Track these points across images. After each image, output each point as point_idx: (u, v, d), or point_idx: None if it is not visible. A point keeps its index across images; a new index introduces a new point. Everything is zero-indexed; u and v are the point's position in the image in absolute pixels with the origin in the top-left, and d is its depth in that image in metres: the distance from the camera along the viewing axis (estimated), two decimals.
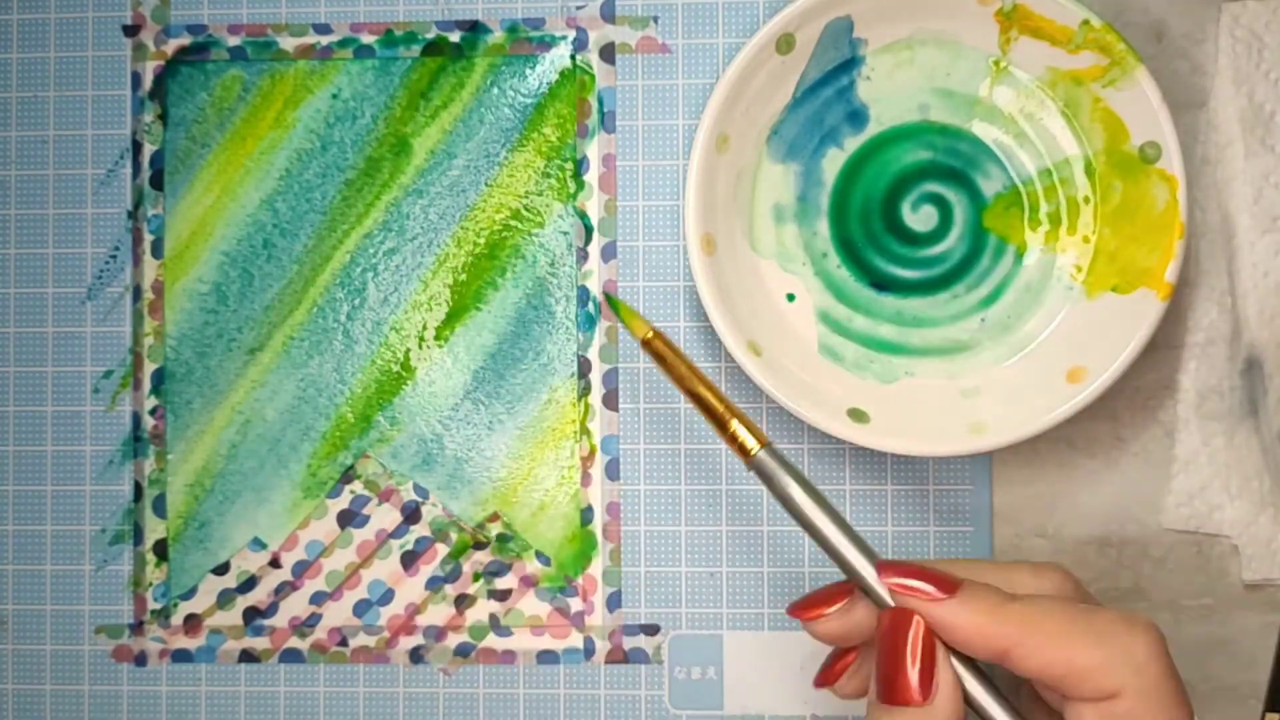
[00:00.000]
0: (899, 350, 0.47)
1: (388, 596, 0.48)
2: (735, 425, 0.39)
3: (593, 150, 0.48)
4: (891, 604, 0.36)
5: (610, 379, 0.48)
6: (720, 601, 0.48)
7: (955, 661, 0.35)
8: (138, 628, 0.49)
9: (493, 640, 0.48)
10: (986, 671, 0.36)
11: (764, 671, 0.47)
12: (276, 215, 0.49)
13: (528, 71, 0.49)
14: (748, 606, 0.47)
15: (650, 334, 0.40)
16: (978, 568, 0.37)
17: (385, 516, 0.48)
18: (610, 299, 0.43)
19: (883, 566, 0.36)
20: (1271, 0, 0.47)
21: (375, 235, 0.49)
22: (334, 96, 0.49)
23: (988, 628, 0.34)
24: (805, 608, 0.37)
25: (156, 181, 0.49)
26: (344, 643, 0.48)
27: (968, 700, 0.35)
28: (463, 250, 0.49)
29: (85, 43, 0.50)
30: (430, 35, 0.49)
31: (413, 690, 0.48)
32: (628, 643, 0.48)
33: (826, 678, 0.38)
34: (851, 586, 0.37)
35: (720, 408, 0.39)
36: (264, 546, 0.49)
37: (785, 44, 0.45)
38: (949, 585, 0.35)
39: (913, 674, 0.34)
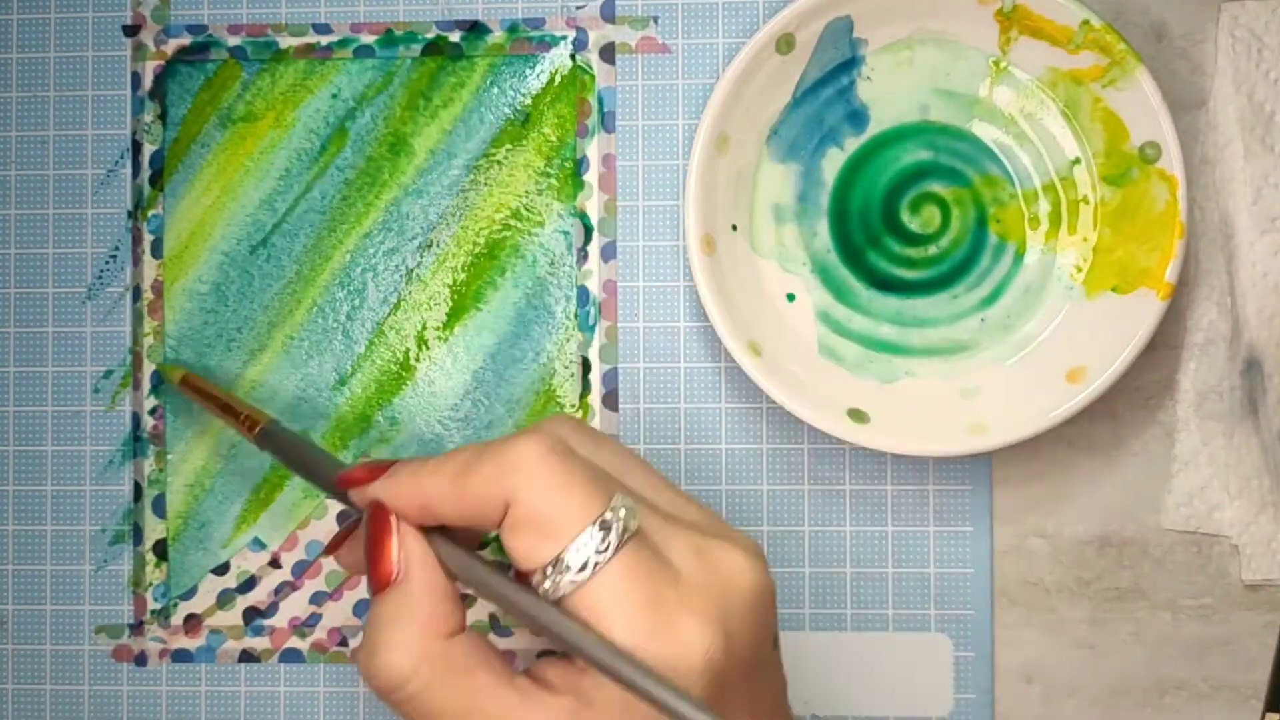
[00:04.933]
0: (899, 350, 0.47)
1: None
2: (248, 414, 0.44)
3: (593, 150, 0.48)
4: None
5: (610, 379, 0.48)
6: None
7: (433, 539, 0.36)
8: (138, 628, 0.49)
9: (493, 640, 0.48)
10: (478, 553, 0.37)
11: None
12: (276, 215, 0.49)
13: (528, 71, 0.49)
14: None
15: (182, 375, 0.47)
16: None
17: None
18: (161, 368, 0.49)
19: (340, 476, 0.38)
20: (1271, 0, 0.47)
21: (375, 235, 0.49)
22: (334, 96, 0.49)
23: (407, 489, 0.35)
24: (329, 549, 0.40)
25: (156, 181, 0.49)
26: (344, 643, 0.48)
27: (453, 574, 0.36)
28: (462, 250, 0.49)
29: (85, 43, 0.49)
30: (430, 35, 0.49)
31: None
32: None
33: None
34: (358, 521, 0.39)
35: (237, 404, 0.45)
36: (264, 546, 0.49)
37: (785, 44, 0.45)
38: (378, 469, 0.36)
39: (377, 555, 0.36)
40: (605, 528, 0.33)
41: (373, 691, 0.35)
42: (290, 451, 0.42)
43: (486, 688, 0.35)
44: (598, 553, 0.33)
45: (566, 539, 0.33)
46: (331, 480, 0.38)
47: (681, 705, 0.32)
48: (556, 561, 0.33)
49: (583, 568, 0.33)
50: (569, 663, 0.35)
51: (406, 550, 0.35)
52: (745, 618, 0.35)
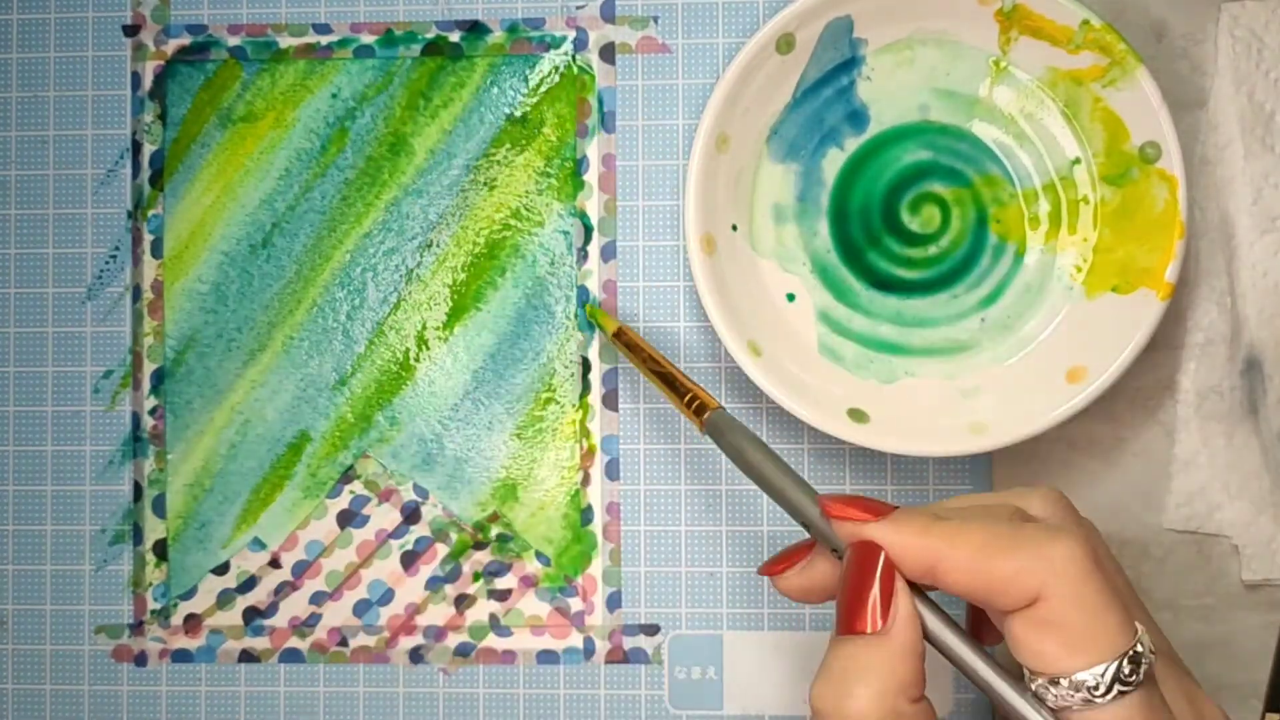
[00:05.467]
0: (899, 350, 0.47)
1: (388, 596, 0.48)
2: (694, 394, 0.42)
3: (593, 150, 0.48)
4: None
5: (610, 379, 0.48)
6: (720, 601, 0.48)
7: (919, 600, 0.36)
8: (138, 628, 0.49)
9: (493, 640, 0.48)
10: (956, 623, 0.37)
11: (764, 671, 0.47)
12: (276, 215, 0.49)
13: (528, 71, 0.49)
14: (748, 606, 0.47)
15: (617, 328, 0.46)
16: (967, 499, 0.38)
17: (385, 516, 0.48)
18: (590, 309, 0.47)
19: (824, 500, 0.37)
20: (1271, 0, 0.47)
21: (375, 235, 0.49)
22: (334, 96, 0.49)
23: (914, 543, 0.35)
24: (772, 565, 0.38)
25: (156, 181, 0.49)
26: (344, 643, 0.48)
27: (930, 638, 0.36)
28: (462, 250, 0.49)
29: (85, 43, 0.49)
30: (430, 35, 0.49)
31: (413, 690, 0.48)
32: (628, 643, 0.48)
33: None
34: (812, 543, 0.38)
35: (684, 381, 0.43)
36: (264, 546, 0.49)
37: (785, 44, 0.45)
38: (882, 509, 0.36)
39: (871, 602, 0.35)
40: (1135, 662, 0.33)
41: None
42: (742, 449, 0.40)
43: None
44: (1121, 683, 0.33)
45: (1093, 660, 0.33)
46: (801, 498, 0.38)
47: None
48: (1072, 677, 0.33)
49: (1101, 694, 0.33)
50: None
51: (898, 605, 0.35)
52: None
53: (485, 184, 0.49)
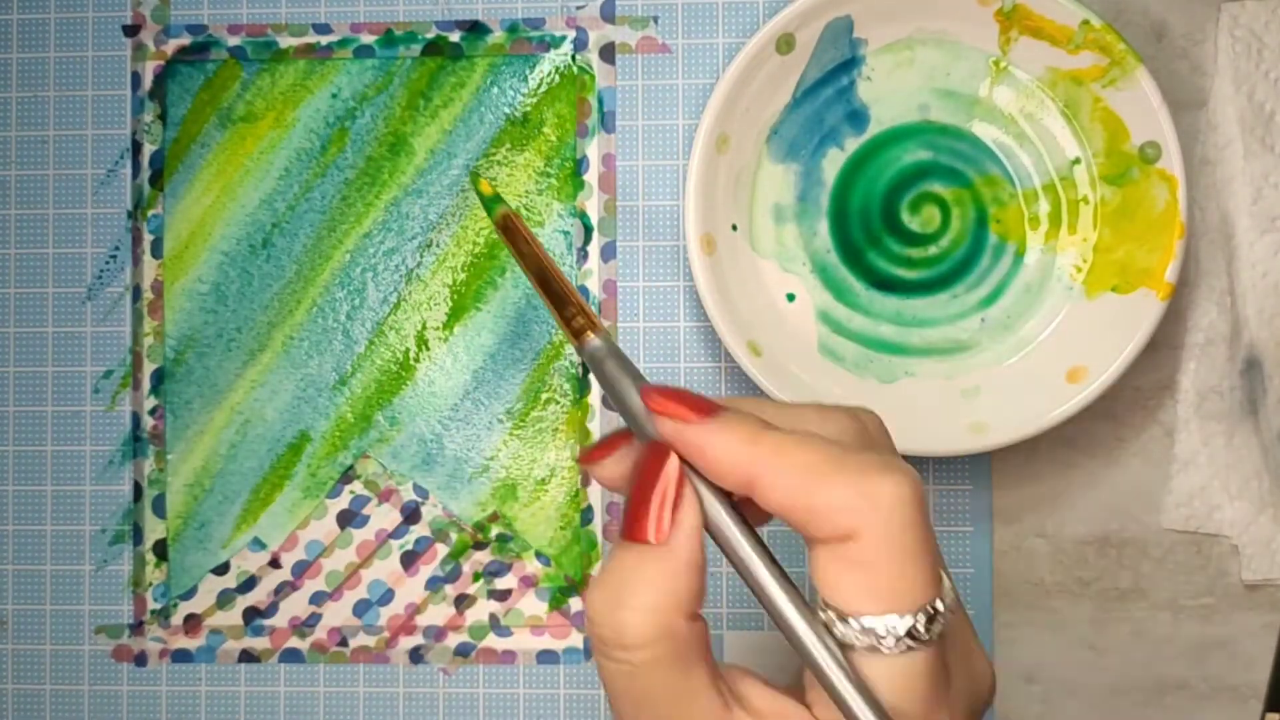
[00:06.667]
0: (899, 350, 0.47)
1: (388, 596, 0.48)
2: (577, 308, 0.36)
3: (593, 150, 0.48)
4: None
5: None
6: (720, 601, 0.47)
7: (713, 505, 0.33)
8: (138, 628, 0.49)
9: (493, 640, 0.48)
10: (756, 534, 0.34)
11: (764, 671, 0.47)
12: (276, 215, 0.49)
13: (528, 71, 0.49)
14: (748, 606, 0.47)
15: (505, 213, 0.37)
16: (767, 407, 0.35)
17: (385, 517, 0.48)
18: (473, 176, 0.39)
19: (647, 390, 0.34)
20: (1271, 0, 0.47)
21: (375, 235, 0.49)
22: (334, 96, 0.49)
23: (737, 452, 0.32)
24: (590, 453, 0.35)
25: (156, 181, 0.49)
26: (344, 643, 0.48)
27: (725, 551, 0.33)
28: (462, 250, 0.49)
29: (85, 43, 0.49)
30: (430, 35, 0.49)
31: (413, 690, 0.48)
32: None
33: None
34: (630, 434, 0.35)
35: (565, 291, 0.36)
36: (264, 546, 0.49)
37: (785, 44, 0.45)
38: (708, 409, 0.33)
39: (654, 511, 0.32)
40: (930, 619, 0.31)
41: (593, 637, 0.32)
42: (608, 375, 0.34)
43: (701, 685, 0.33)
44: (911, 638, 0.31)
45: (889, 608, 0.31)
46: (628, 385, 0.34)
47: None
48: (862, 620, 0.31)
49: (889, 644, 0.31)
50: (782, 695, 0.33)
51: (683, 517, 0.32)
52: None
53: None
